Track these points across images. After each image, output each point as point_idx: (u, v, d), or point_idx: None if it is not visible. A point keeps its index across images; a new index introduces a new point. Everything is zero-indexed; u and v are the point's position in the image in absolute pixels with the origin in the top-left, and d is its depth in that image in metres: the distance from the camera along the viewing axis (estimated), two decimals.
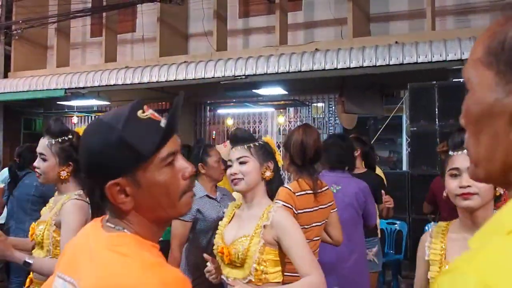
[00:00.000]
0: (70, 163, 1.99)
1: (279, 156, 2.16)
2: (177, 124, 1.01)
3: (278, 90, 7.23)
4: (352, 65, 6.12)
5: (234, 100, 8.26)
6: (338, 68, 6.16)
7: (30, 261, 1.85)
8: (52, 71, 8.73)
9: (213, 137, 8.94)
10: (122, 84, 7.24)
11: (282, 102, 7.51)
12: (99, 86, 7.46)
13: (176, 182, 0.97)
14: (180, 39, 8.71)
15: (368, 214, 2.91)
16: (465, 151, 1.34)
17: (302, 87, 7.53)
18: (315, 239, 2.27)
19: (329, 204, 2.38)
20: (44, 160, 1.97)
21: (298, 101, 7.53)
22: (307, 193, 2.23)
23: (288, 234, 1.75)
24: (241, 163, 1.87)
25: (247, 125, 8.38)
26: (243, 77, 6.55)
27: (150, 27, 8.44)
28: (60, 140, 1.97)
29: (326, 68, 6.22)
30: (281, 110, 8.17)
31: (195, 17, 8.60)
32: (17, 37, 9.40)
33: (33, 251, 2.07)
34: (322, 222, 2.34)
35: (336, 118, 7.86)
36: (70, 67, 9.12)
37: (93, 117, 9.61)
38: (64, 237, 1.81)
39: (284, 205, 2.10)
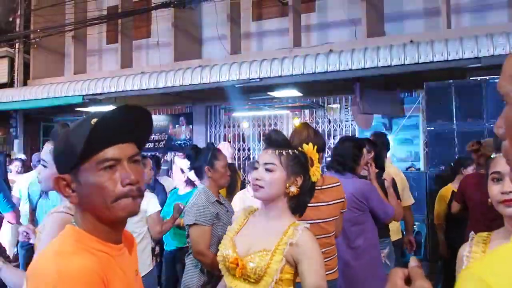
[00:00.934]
0: None
1: (317, 169, 1.85)
2: (113, 133, 1.03)
3: (292, 92, 7.22)
4: (367, 66, 6.08)
5: (249, 103, 8.29)
6: (353, 69, 6.13)
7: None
8: (70, 78, 8.90)
9: (229, 140, 8.98)
10: (139, 90, 7.33)
11: (298, 104, 7.51)
12: (115, 92, 7.57)
13: (111, 186, 1.02)
14: (194, 43, 8.79)
15: (375, 213, 2.88)
16: None
17: (317, 89, 7.51)
18: (323, 235, 2.27)
19: (335, 201, 2.35)
20: (45, 166, 1.80)
21: (313, 103, 7.51)
22: None
23: (311, 258, 1.62)
24: (267, 170, 1.70)
25: (262, 127, 8.40)
26: (258, 80, 6.57)
27: (164, 32, 8.53)
28: None
29: (341, 69, 6.20)
30: (296, 112, 8.15)
31: (208, 22, 8.67)
32: (35, 45, 9.61)
33: None
34: (329, 219, 2.31)
35: (353, 119, 7.81)
36: (87, 73, 9.29)
37: None
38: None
39: None
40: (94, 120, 1.00)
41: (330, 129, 8.45)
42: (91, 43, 9.79)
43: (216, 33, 8.25)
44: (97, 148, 1.02)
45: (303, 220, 1.83)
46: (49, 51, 9.92)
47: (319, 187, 2.25)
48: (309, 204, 1.89)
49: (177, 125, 9.16)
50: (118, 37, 8.90)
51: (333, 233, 2.40)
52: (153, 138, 9.42)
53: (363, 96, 6.66)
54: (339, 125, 8.26)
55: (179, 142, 8.95)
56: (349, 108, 8.13)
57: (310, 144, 1.87)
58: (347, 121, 8.27)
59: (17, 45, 9.56)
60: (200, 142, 8.74)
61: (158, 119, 9.49)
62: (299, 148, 1.83)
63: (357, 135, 7.88)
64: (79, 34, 9.37)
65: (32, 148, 9.49)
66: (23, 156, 7.34)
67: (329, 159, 3.55)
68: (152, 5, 8.39)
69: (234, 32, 7.93)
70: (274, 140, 1.78)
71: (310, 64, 6.34)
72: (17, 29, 9.64)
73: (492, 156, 1.51)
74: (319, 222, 2.30)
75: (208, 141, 8.74)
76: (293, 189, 1.72)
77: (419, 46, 5.85)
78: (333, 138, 8.34)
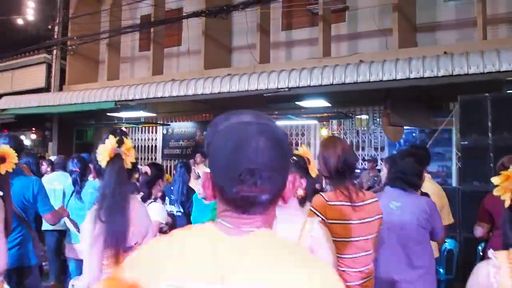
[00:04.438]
0: None
1: (314, 166, 2.09)
2: None
3: (321, 103, 7.17)
4: (398, 77, 5.97)
5: (276, 112, 8.28)
6: (384, 80, 6.03)
7: None
8: (103, 84, 9.16)
9: None
10: (169, 97, 7.45)
11: (325, 114, 7.44)
12: (147, 98, 7.72)
13: None
14: (224, 52, 8.89)
15: (434, 232, 2.80)
16: None
17: (346, 99, 7.43)
18: (361, 254, 2.18)
19: (376, 217, 2.26)
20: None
21: (341, 113, 7.43)
22: (343, 205, 2.13)
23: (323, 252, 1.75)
24: None
25: (290, 137, 8.37)
26: (286, 89, 6.56)
27: (195, 40, 8.67)
28: None
29: (371, 80, 6.11)
30: (324, 122, 8.08)
31: (238, 31, 8.75)
32: (72, 52, 9.95)
33: None
34: (370, 236, 2.21)
35: (381, 130, 7.68)
36: (119, 80, 9.53)
37: (140, 128, 9.96)
38: None
39: (314, 212, 2.07)
40: None
41: (358, 140, 8.34)
42: (124, 51, 10.05)
43: (245, 42, 8.31)
44: None
45: (343, 238, 1.95)
46: (84, 57, 10.25)
47: (361, 203, 2.19)
48: (352, 222, 2.00)
49: (204, 132, 9.24)
50: (150, 45, 9.10)
51: (371, 251, 2.28)
52: (181, 144, 9.55)
53: (393, 108, 6.55)
54: (367, 136, 8.13)
55: (202, 149, 9.02)
56: (378, 119, 8.00)
57: (303, 147, 2.09)
58: (375, 132, 8.15)
59: (54, 51, 9.92)
60: None
61: (186, 126, 9.61)
62: (296, 152, 2.01)
63: (386, 147, 7.74)
64: (113, 42, 9.65)
65: (66, 152, 9.77)
66: (52, 158, 7.56)
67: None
68: (184, 14, 8.54)
69: (263, 41, 7.97)
70: None
71: (340, 75, 6.28)
72: (55, 36, 10.01)
73: None
74: (368, 238, 2.22)
75: None
76: (301, 192, 1.88)
77: (453, 57, 5.71)
78: (361, 150, 8.22)
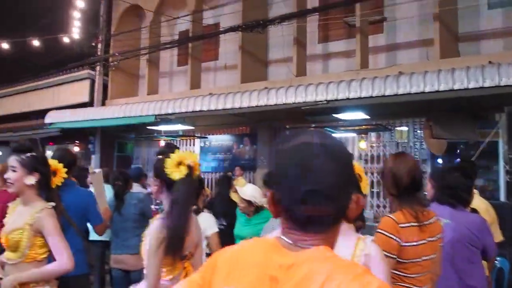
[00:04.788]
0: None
1: (366, 182, 2.05)
2: None
3: (359, 115, 7.07)
4: (441, 88, 5.80)
5: (313, 125, 8.24)
6: (426, 91, 5.89)
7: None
8: (143, 99, 9.43)
9: None
10: (207, 110, 7.57)
11: (364, 126, 7.32)
12: (186, 112, 7.87)
13: None
14: (260, 65, 8.96)
15: (486, 249, 2.69)
16: None
17: (384, 111, 7.30)
18: (426, 273, 2.11)
19: (438, 236, 2.20)
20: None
21: (380, 125, 7.29)
22: (412, 225, 2.08)
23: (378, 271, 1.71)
24: None
25: None
26: (324, 102, 6.52)
27: (231, 54, 8.81)
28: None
29: (412, 92, 5.98)
30: (363, 135, 7.96)
31: (274, 44, 8.82)
32: (113, 68, 10.33)
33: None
34: (433, 255, 2.14)
35: (422, 143, 7.48)
36: (159, 94, 9.79)
37: (178, 141, 10.16)
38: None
39: (387, 235, 2.02)
40: None
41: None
42: (163, 66, 10.34)
43: (281, 55, 8.37)
44: None
45: (412, 259, 1.95)
46: (125, 73, 10.63)
47: (427, 222, 2.13)
48: (420, 243, 1.98)
49: (241, 145, 9.31)
50: (188, 59, 9.31)
51: (432, 270, 2.23)
52: (218, 157, 9.65)
53: (435, 120, 6.36)
54: (407, 149, 7.93)
55: (242, 162, 9.07)
56: (417, 131, 7.80)
57: (356, 163, 1.99)
58: (415, 144, 7.93)
59: (97, 67, 10.33)
60: (264, 162, 8.81)
61: (224, 139, 9.72)
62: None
63: (428, 160, 7.52)
64: (152, 57, 9.94)
65: (107, 164, 10.09)
66: (96, 170, 7.80)
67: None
68: (221, 29, 8.70)
69: (300, 54, 7.98)
70: None
71: (379, 87, 6.19)
72: (98, 53, 10.43)
73: None
74: (432, 258, 2.16)
75: None
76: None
77: (499, 67, 5.50)
78: None
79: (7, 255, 2.31)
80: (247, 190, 3.76)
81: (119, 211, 4.15)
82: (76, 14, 9.94)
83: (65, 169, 2.75)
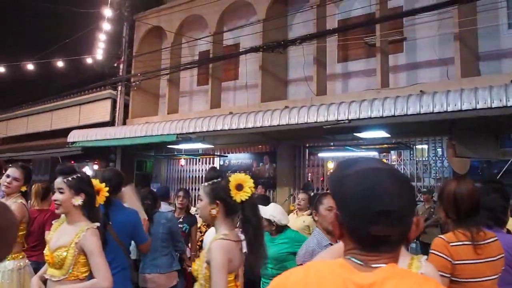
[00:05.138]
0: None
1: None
2: None
3: (380, 134, 7.09)
4: (464, 107, 5.81)
5: (332, 144, 8.27)
6: (449, 110, 5.90)
7: None
8: (164, 118, 9.59)
9: (308, 179, 8.97)
10: (229, 129, 7.66)
11: (385, 145, 7.34)
12: (206, 131, 7.98)
13: None
14: (280, 84, 9.07)
15: None
16: None
17: (405, 130, 7.31)
18: None
19: (498, 257, 2.19)
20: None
21: (402, 144, 7.30)
22: (464, 244, 2.10)
23: None
24: None
25: None
26: (346, 121, 6.56)
27: (251, 74, 8.94)
28: None
29: (435, 111, 5.99)
30: (384, 153, 7.96)
31: (294, 64, 8.94)
32: (135, 88, 10.56)
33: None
34: (495, 276, 2.14)
35: (444, 161, 7.45)
36: (179, 113, 9.95)
37: (198, 159, 10.27)
38: None
39: (438, 255, 2.05)
40: None
41: (418, 171, 8.12)
42: (183, 85, 10.52)
43: (301, 74, 8.47)
44: None
45: (470, 279, 1.94)
46: (146, 92, 10.84)
47: (483, 242, 2.15)
48: (476, 261, 1.98)
49: (260, 164, 9.36)
50: (209, 79, 9.48)
51: None
52: None
53: (458, 139, 6.35)
54: (427, 167, 7.90)
55: (262, 180, 9.11)
56: (436, 149, 7.78)
57: None
58: (434, 162, 7.89)
59: (119, 87, 10.55)
60: (284, 181, 8.84)
61: (243, 157, 9.80)
62: None
63: (448, 178, 7.47)
64: (173, 77, 10.14)
65: (127, 182, 10.19)
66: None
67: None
68: (241, 49, 8.87)
69: (320, 74, 8.07)
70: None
71: (402, 106, 6.21)
72: (120, 73, 10.68)
73: None
74: (494, 278, 2.15)
75: (293, 181, 8.79)
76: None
77: None
78: (419, 181, 7.99)
79: (51, 272, 2.37)
80: (268, 209, 3.79)
81: (148, 231, 4.20)
82: (100, 36, 10.23)
83: (113, 189, 2.83)
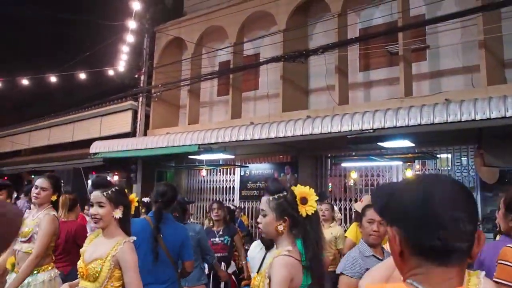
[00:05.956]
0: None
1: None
2: None
3: (404, 143, 6.99)
4: (493, 116, 5.71)
5: (353, 153, 8.19)
6: (477, 119, 5.80)
7: None
8: (185, 129, 9.65)
9: (330, 190, 8.88)
10: (251, 140, 7.66)
11: (410, 155, 7.23)
12: (228, 141, 7.99)
13: None
14: (301, 94, 9.06)
15: None
16: None
17: (429, 139, 7.21)
18: None
19: None
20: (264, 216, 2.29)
21: (427, 153, 7.18)
22: None
23: None
24: None
25: (371, 178, 8.20)
26: (371, 131, 6.49)
27: (272, 84, 8.94)
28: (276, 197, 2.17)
29: (462, 120, 5.90)
30: (409, 163, 7.84)
31: (315, 73, 8.92)
32: (156, 99, 10.66)
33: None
34: None
35: (469, 170, 7.30)
36: (199, 124, 9.99)
37: (219, 170, 10.27)
38: None
39: (506, 264, 1.98)
40: None
41: None
42: (203, 96, 10.58)
43: (322, 83, 8.43)
44: None
45: None
46: (166, 103, 10.93)
47: None
48: None
49: (282, 174, 9.32)
50: (229, 90, 9.51)
51: None
52: (258, 186, 9.67)
53: (487, 148, 6.23)
54: (454, 176, 7.75)
55: None
56: (463, 158, 7.64)
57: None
58: (460, 172, 7.75)
59: (140, 98, 10.67)
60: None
61: (264, 168, 9.77)
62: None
63: (476, 187, 7.31)
64: (193, 88, 10.21)
65: (147, 193, 10.26)
66: (145, 199, 7.95)
67: None
68: (262, 59, 8.89)
69: (341, 83, 8.03)
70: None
71: (428, 114, 6.13)
72: (141, 84, 10.80)
73: None
74: None
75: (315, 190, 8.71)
76: None
77: None
78: None
79: (84, 284, 2.35)
80: None
81: None
82: (121, 48, 10.38)
83: (167, 203, 2.87)
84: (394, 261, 1.01)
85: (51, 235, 3.17)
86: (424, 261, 0.93)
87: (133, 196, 2.71)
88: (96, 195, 2.44)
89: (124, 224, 2.49)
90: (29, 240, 3.19)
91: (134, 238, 2.50)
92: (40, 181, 3.42)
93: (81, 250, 2.55)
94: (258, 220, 2.21)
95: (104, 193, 2.42)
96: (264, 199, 2.18)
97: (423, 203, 0.94)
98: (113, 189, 2.46)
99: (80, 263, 2.42)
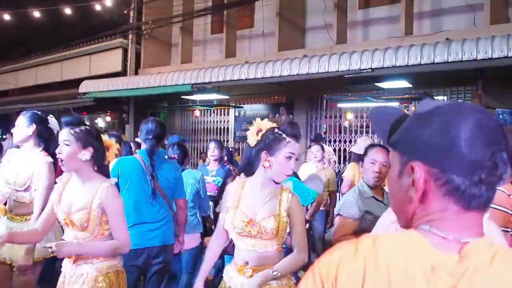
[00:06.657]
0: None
1: None
2: None
3: (402, 83, 6.89)
4: (495, 56, 5.58)
5: (349, 94, 8.08)
6: (478, 59, 5.67)
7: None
8: (177, 68, 9.37)
9: (324, 131, 8.86)
10: (246, 79, 7.48)
11: (406, 96, 7.14)
12: (223, 81, 7.80)
13: None
14: (298, 32, 8.75)
15: None
16: None
17: (426, 80, 7.10)
18: None
19: None
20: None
21: (426, 94, 7.10)
22: None
23: None
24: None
25: (366, 119, 8.16)
26: (369, 70, 6.35)
27: (268, 22, 8.59)
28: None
29: (464, 60, 5.76)
30: (405, 104, 7.79)
31: (313, 10, 8.56)
32: (146, 36, 10.25)
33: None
34: None
35: None
36: (193, 63, 9.71)
37: (213, 110, 10.15)
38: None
39: (498, 209, 1.97)
40: None
41: None
42: (196, 34, 10.19)
43: (320, 22, 8.12)
44: None
45: None
46: (158, 41, 10.53)
47: None
48: None
49: (277, 115, 9.24)
50: (223, 27, 9.15)
51: None
52: None
53: (485, 89, 6.16)
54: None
55: None
56: (458, 100, 7.58)
57: None
58: None
59: (130, 36, 10.26)
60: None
61: (259, 108, 9.66)
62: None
63: None
64: (186, 25, 9.80)
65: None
66: (138, 140, 7.89)
67: None
68: None
69: (340, 21, 7.75)
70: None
71: (428, 54, 5.98)
72: (131, 21, 10.34)
73: None
74: None
75: (308, 132, 8.70)
76: None
77: None
78: None
79: (74, 234, 2.16)
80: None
81: None
82: None
83: (156, 140, 2.78)
84: (404, 205, 0.82)
85: (50, 188, 2.60)
86: (451, 204, 0.77)
87: (112, 142, 2.41)
88: (63, 133, 2.18)
89: (101, 168, 2.24)
90: (26, 190, 2.85)
91: (115, 180, 2.35)
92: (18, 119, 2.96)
93: (53, 197, 2.28)
94: None
95: (72, 131, 2.16)
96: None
97: (460, 139, 0.76)
98: (83, 128, 2.19)
99: (60, 213, 2.20)
